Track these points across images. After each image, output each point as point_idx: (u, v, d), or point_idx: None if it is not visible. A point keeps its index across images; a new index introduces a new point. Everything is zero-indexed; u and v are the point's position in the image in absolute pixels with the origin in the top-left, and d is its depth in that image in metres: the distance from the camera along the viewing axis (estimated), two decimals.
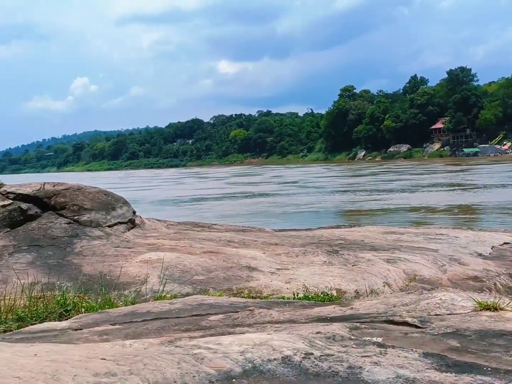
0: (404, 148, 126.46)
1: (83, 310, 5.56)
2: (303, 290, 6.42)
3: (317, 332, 3.50)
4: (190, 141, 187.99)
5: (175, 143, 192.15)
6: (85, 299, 6.05)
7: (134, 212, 10.24)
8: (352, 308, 4.91)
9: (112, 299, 5.97)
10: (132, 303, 5.81)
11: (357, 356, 3.03)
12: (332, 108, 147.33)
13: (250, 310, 4.78)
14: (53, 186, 9.69)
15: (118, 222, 9.50)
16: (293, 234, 10.35)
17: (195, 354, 3.03)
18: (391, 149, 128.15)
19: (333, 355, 3.02)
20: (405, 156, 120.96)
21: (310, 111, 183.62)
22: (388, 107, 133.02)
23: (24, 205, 8.92)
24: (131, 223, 9.82)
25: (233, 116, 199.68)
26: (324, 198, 40.68)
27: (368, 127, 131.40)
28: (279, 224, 25.46)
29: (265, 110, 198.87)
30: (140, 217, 10.39)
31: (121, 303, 5.85)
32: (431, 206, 31.95)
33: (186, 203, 41.94)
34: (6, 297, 5.78)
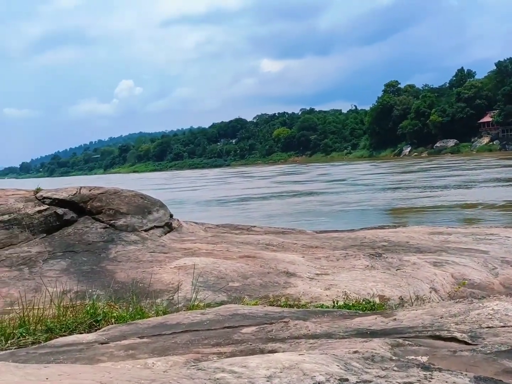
0: (451, 143, 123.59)
1: (113, 320, 5.36)
2: (344, 298, 6.08)
3: (355, 352, 3.17)
4: (234, 141, 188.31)
5: (218, 143, 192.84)
6: (116, 308, 5.86)
7: (171, 216, 10.05)
8: (395, 319, 4.56)
9: (143, 308, 5.76)
10: (164, 313, 5.59)
11: (398, 382, 2.70)
12: (376, 104, 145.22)
13: (285, 322, 4.48)
14: (89, 191, 9.58)
15: (154, 226, 9.32)
16: (335, 236, 9.99)
17: (217, 379, 2.75)
18: (437, 144, 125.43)
19: (371, 381, 2.70)
20: (452, 151, 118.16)
21: (353, 107, 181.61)
22: (434, 101, 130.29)
23: (60, 210, 8.83)
24: (168, 227, 9.64)
25: (276, 114, 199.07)
26: (374, 195, 39.27)
27: (414, 122, 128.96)
28: (328, 223, 24.82)
29: (308, 108, 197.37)
30: (178, 220, 10.20)
31: (152, 312, 5.64)
32: (489, 203, 30.46)
33: (232, 203, 41.30)
34: (36, 307, 5.63)
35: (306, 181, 63.76)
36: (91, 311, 5.42)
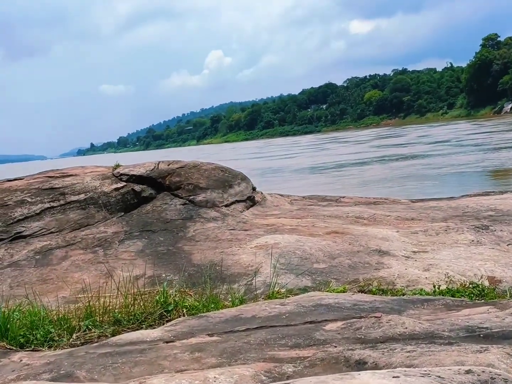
0: None
1: (184, 310, 4.86)
2: (446, 281, 5.27)
3: (467, 372, 2.43)
4: (324, 106, 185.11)
5: (309, 109, 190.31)
6: (190, 294, 5.36)
7: (254, 189, 9.47)
8: None
9: (218, 296, 5.22)
10: (240, 301, 5.03)
11: None
12: (473, 60, 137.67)
13: (376, 317, 3.78)
14: (168, 165, 9.16)
15: (236, 200, 8.78)
16: (433, 205, 9.05)
17: None
18: None
19: None
20: None
21: (449, 65, 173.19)
22: None
23: (137, 187, 8.46)
24: (250, 201, 9.07)
25: (367, 77, 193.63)
26: (486, 156, 35.91)
27: None
28: (436, 187, 23.29)
29: (400, 69, 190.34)
30: (261, 193, 9.61)
31: (228, 301, 5.09)
32: None
33: (331, 170, 39.22)
34: (107, 294, 5.23)
35: (406, 143, 60.04)
36: (162, 300, 4.94)
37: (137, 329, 4.63)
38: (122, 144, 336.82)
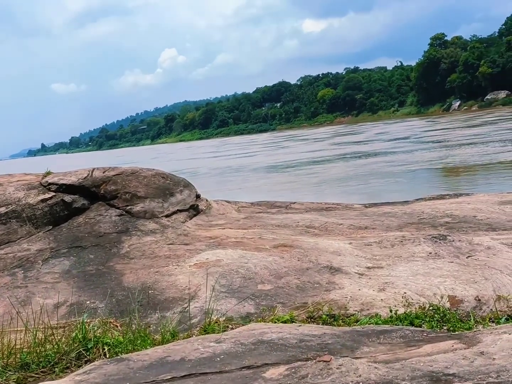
0: (502, 94, 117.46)
1: (106, 348, 4.17)
2: (403, 303, 4.73)
3: None
4: (278, 105, 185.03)
5: (263, 108, 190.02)
6: (117, 325, 4.68)
7: (198, 196, 8.81)
8: (482, 352, 3.21)
9: (149, 327, 4.57)
10: (172, 335, 4.38)
11: None
12: (422, 58, 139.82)
13: (325, 361, 3.18)
14: (103, 172, 8.41)
15: (178, 210, 8.10)
16: (387, 211, 8.56)
17: None
18: (488, 97, 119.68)
19: None
20: (504, 103, 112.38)
21: (399, 64, 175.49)
22: (483, 52, 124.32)
23: (68, 198, 7.69)
24: (194, 210, 8.41)
25: (320, 75, 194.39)
26: (450, 152, 35.76)
27: (462, 75, 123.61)
28: (399, 185, 23.11)
29: (352, 67, 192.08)
30: (206, 201, 8.96)
31: (158, 335, 4.42)
32: None
33: (292, 168, 38.32)
34: (18, 327, 4.51)
35: (366, 141, 59.44)
36: (80, 336, 4.24)
37: (49, 374, 3.95)
38: (75, 145, 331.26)
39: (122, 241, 6.95)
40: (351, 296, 4.81)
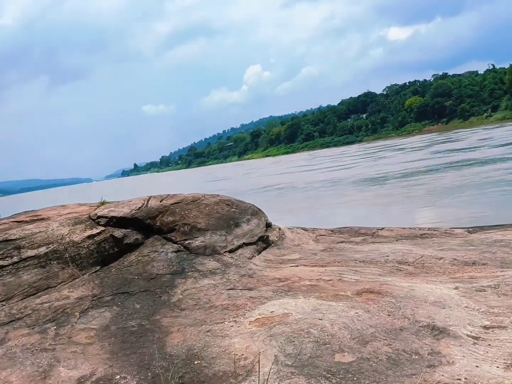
0: None
1: None
2: None
3: None
4: (364, 116, 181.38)
5: (349, 120, 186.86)
6: None
7: (268, 225, 7.64)
8: None
9: None
10: None
11: None
12: None
13: None
14: (160, 201, 7.41)
15: (243, 243, 6.97)
16: (498, 239, 7.03)
17: None
18: None
19: None
20: None
21: (491, 67, 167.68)
22: None
23: (118, 233, 6.72)
24: (263, 242, 7.24)
25: (407, 84, 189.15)
26: None
27: None
28: None
29: (440, 73, 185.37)
30: (279, 230, 7.77)
31: None
32: None
33: (398, 179, 34.64)
34: None
35: (472, 147, 53.75)
36: None
37: None
38: (165, 164, 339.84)
39: (176, 285, 5.87)
40: (466, 378, 3.43)
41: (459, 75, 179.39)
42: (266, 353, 4.01)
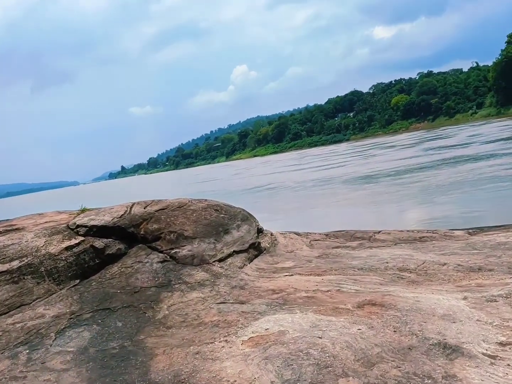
0: None
1: None
2: None
3: None
4: (351, 114, 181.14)
5: (336, 118, 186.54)
6: None
7: (260, 231, 7.22)
8: None
9: None
10: None
11: None
12: (500, 57, 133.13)
13: None
14: (144, 208, 6.96)
15: (234, 251, 6.54)
16: (502, 242, 6.64)
17: None
18: None
19: None
20: None
21: (475, 64, 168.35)
22: None
23: (99, 243, 6.26)
24: (255, 249, 6.81)
25: (393, 82, 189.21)
26: None
27: None
28: None
29: (425, 71, 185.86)
30: (271, 235, 7.35)
31: None
32: None
33: (393, 177, 33.84)
34: None
35: (462, 144, 52.78)
36: None
37: None
38: (152, 165, 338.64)
39: (161, 299, 5.42)
40: None
41: (444, 73, 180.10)
42: (262, 380, 3.58)
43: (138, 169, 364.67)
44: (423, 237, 7.48)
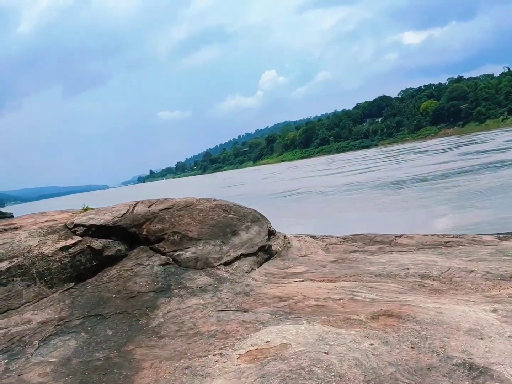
0: None
1: None
2: None
3: None
4: (379, 120, 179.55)
5: (364, 124, 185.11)
6: None
7: (272, 233, 6.73)
8: None
9: None
10: None
11: None
12: None
13: None
14: (148, 207, 6.53)
15: (241, 254, 6.06)
16: None
17: None
18: None
19: None
20: None
21: (506, 70, 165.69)
22: None
23: (97, 243, 5.84)
24: (265, 252, 6.33)
25: (422, 87, 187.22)
26: None
27: None
28: None
29: (455, 77, 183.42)
30: (284, 238, 6.86)
31: None
32: None
33: (429, 182, 32.76)
34: None
35: (501, 149, 50.97)
36: None
37: None
38: (180, 170, 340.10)
39: (158, 305, 4.97)
40: None
41: (475, 78, 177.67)
42: None
43: (166, 173, 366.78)
44: (449, 242, 6.91)
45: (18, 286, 5.18)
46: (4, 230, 6.23)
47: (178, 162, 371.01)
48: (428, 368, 3.26)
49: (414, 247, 6.74)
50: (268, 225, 6.83)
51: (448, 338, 3.63)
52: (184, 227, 6.20)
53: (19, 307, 5.01)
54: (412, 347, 3.55)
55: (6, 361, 4.20)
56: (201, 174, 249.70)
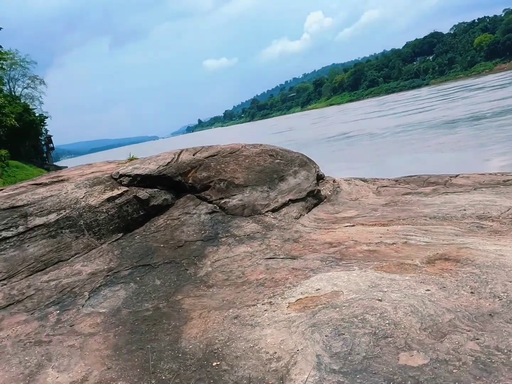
0: None
1: None
2: None
3: None
4: (431, 57, 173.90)
5: (414, 63, 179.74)
6: None
7: (320, 177, 6.52)
8: None
9: None
10: None
11: None
12: None
13: None
14: (193, 155, 6.41)
15: (289, 200, 5.90)
16: None
17: None
18: None
19: None
20: None
21: None
22: None
23: (143, 193, 5.78)
24: (314, 197, 6.14)
25: (476, 21, 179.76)
26: None
27: None
28: None
29: None
30: (333, 182, 6.65)
31: None
32: None
33: (486, 120, 31.15)
34: None
35: None
36: None
37: None
38: (228, 118, 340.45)
39: (206, 254, 4.89)
40: None
41: None
42: (306, 352, 2.98)
43: (215, 122, 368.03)
44: (508, 180, 6.57)
45: (67, 238, 5.17)
46: (52, 183, 6.23)
47: (226, 110, 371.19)
48: (490, 314, 3.07)
49: (470, 187, 6.44)
50: (317, 169, 6.62)
51: (511, 282, 3.41)
52: (230, 174, 6.06)
53: (69, 258, 5.01)
54: (471, 292, 3.35)
55: (58, 312, 4.21)
56: (249, 121, 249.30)
